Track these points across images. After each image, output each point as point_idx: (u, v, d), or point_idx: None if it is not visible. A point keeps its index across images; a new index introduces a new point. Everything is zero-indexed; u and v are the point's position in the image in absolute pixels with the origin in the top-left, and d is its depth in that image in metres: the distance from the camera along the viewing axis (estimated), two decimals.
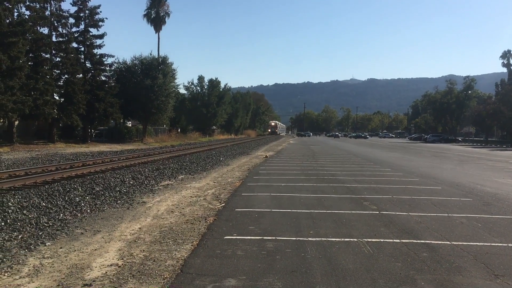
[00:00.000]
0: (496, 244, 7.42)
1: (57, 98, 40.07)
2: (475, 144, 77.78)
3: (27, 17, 35.56)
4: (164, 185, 14.76)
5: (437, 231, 8.28)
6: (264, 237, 7.63)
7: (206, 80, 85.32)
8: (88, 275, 5.73)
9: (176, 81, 58.51)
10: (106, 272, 5.82)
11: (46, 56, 38.39)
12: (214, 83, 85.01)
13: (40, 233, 7.76)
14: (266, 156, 30.26)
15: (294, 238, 7.61)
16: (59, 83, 40.61)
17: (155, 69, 52.91)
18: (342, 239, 7.58)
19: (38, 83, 34.98)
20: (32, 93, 34.31)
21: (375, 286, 5.41)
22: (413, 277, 5.73)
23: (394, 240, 7.56)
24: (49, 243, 7.22)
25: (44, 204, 10.16)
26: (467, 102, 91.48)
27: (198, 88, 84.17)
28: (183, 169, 19.94)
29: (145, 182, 15.14)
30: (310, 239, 7.58)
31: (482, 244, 7.41)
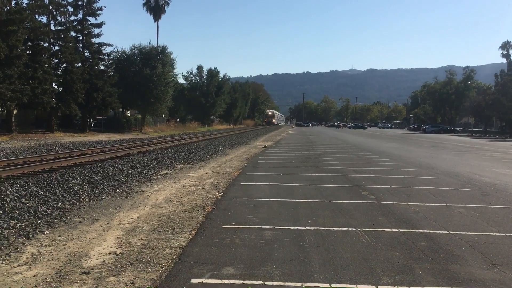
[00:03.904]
0: (494, 234, 7.43)
1: (55, 87, 39.98)
2: (474, 134, 77.79)
3: (25, 5, 35.28)
4: (163, 175, 14.75)
5: (435, 220, 8.29)
6: (262, 226, 7.64)
7: (205, 69, 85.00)
8: (86, 263, 5.74)
9: (175, 70, 58.57)
10: (104, 260, 5.83)
11: (44, 45, 38.09)
12: (213, 73, 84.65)
13: (38, 222, 7.76)
14: (265, 146, 30.25)
15: (292, 227, 7.61)
16: (58, 72, 40.49)
17: (154, 59, 52.73)
18: (340, 228, 7.59)
19: (37, 72, 34.83)
20: (31, 82, 34.18)
21: (373, 275, 5.42)
22: (411, 266, 5.74)
23: (392, 230, 7.57)
24: (47, 232, 7.22)
25: (42, 192, 10.16)
26: (466, 93, 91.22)
27: (197, 77, 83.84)
28: (181, 158, 19.92)
29: (144, 171, 15.13)
30: (308, 228, 7.58)
31: (480, 233, 7.43)
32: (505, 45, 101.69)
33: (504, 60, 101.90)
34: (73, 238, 6.88)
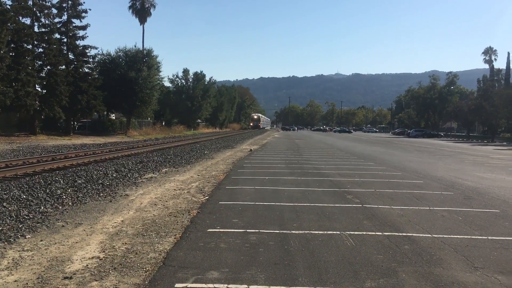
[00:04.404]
0: (476, 237, 7.53)
1: (39, 89, 39.48)
2: (457, 139, 78.81)
3: (8, 7, 34.83)
4: (148, 178, 14.66)
5: (418, 224, 8.37)
6: (248, 230, 7.63)
7: (191, 73, 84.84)
8: (69, 267, 5.67)
9: (160, 73, 58.34)
10: (87, 265, 5.76)
11: (28, 47, 37.69)
12: (199, 76, 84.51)
13: (20, 226, 7.64)
14: (251, 150, 30.25)
15: (278, 231, 7.62)
16: (41, 75, 40.06)
17: (140, 62, 52.46)
18: (325, 232, 7.61)
19: (20, 74, 34.41)
20: (14, 84, 33.75)
21: (357, 278, 5.44)
22: (395, 269, 5.78)
23: (376, 233, 7.62)
24: (29, 236, 7.11)
25: (24, 196, 10.01)
26: (449, 98, 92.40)
27: (183, 81, 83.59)
28: (167, 162, 19.82)
29: (128, 175, 15.02)
30: (293, 232, 7.60)
31: (462, 237, 7.51)
32: (487, 51, 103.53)
33: (487, 66, 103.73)
34: (56, 243, 6.79)
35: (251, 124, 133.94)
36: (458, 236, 7.52)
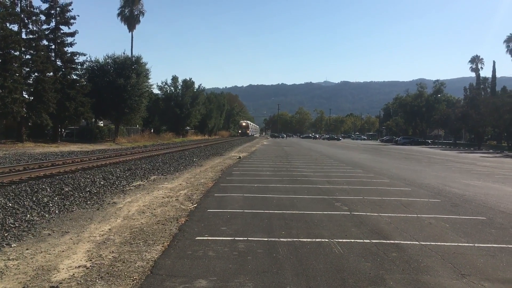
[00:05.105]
0: (463, 244, 7.59)
1: (26, 96, 39.11)
2: (444, 146, 79.54)
3: None
4: (136, 186, 14.57)
5: (406, 231, 8.42)
6: (236, 238, 7.61)
7: (180, 80, 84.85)
8: (55, 277, 5.60)
9: (149, 81, 58.09)
10: (73, 274, 5.70)
11: (15, 53, 37.33)
12: (188, 84, 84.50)
13: (5, 234, 7.54)
14: (240, 157, 30.23)
15: (266, 239, 7.61)
16: (29, 81, 39.64)
17: (129, 69, 52.29)
18: (314, 240, 7.62)
19: (7, 81, 34.07)
20: (0, 91, 33.38)
21: (345, 286, 5.45)
22: (382, 276, 5.80)
23: (364, 241, 7.64)
24: (14, 245, 7.02)
25: (10, 204, 9.89)
26: (436, 106, 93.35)
27: (172, 88, 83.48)
28: (155, 169, 19.73)
29: (116, 182, 14.91)
30: (282, 239, 7.59)
31: (449, 244, 7.57)
32: (474, 60, 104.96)
33: (473, 74, 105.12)
34: (42, 251, 6.71)
35: (240, 131, 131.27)
36: (446, 244, 7.58)
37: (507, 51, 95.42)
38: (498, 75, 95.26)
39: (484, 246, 7.51)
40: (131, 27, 79.15)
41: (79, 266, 6.01)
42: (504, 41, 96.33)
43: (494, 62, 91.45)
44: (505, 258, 6.82)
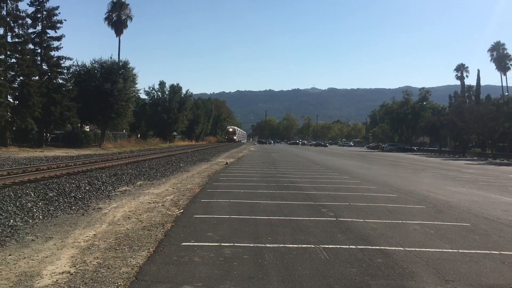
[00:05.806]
0: (447, 250, 7.66)
1: (11, 100, 38.63)
2: (429, 153, 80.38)
3: None
4: (122, 191, 14.46)
5: (391, 237, 8.47)
6: (222, 244, 7.59)
7: (167, 85, 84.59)
8: (38, 283, 5.53)
9: (136, 85, 57.72)
10: (57, 280, 5.63)
11: (0, 57, 36.92)
12: (175, 89, 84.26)
13: None
14: (227, 163, 30.20)
15: (252, 245, 7.60)
16: (14, 85, 39.15)
17: (116, 73, 51.96)
18: (300, 246, 7.63)
19: None
20: None
21: None
22: (368, 282, 5.83)
23: (350, 246, 7.68)
24: None
25: None
26: (422, 113, 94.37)
27: (159, 93, 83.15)
28: (141, 175, 19.61)
29: (102, 188, 14.79)
30: (268, 245, 7.59)
31: (434, 250, 7.64)
32: (459, 68, 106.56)
33: (458, 82, 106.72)
34: (25, 257, 6.62)
35: (226, 137, 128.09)
36: (430, 249, 7.64)
37: (491, 59, 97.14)
38: (482, 83, 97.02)
39: (468, 252, 7.59)
40: (118, 32, 78.87)
41: (62, 272, 5.94)
42: (488, 50, 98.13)
43: (478, 71, 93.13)
44: (489, 264, 6.90)
